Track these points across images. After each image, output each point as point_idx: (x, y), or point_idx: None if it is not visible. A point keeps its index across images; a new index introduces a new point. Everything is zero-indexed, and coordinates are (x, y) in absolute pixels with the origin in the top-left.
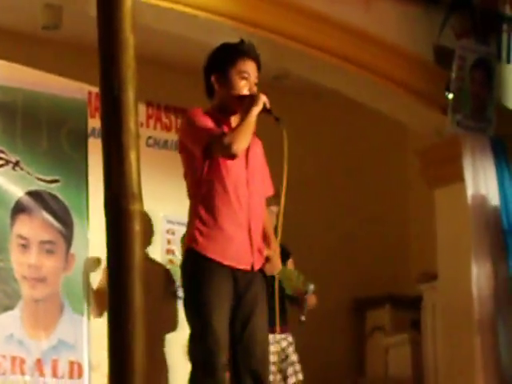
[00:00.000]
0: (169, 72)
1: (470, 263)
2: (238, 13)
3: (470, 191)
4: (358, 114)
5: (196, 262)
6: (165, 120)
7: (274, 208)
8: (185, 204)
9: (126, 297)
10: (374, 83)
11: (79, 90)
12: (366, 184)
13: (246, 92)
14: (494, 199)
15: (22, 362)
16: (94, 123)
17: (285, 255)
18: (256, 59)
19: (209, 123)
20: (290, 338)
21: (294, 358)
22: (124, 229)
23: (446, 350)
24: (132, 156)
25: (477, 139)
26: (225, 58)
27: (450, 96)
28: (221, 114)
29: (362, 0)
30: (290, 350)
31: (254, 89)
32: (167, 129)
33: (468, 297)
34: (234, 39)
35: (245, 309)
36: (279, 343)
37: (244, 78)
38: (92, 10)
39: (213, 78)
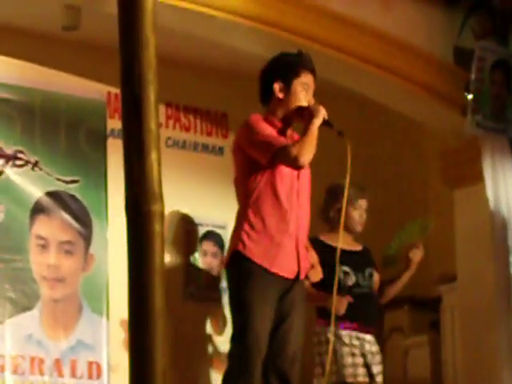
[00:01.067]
0: (188, 73)
1: (489, 264)
2: (257, 13)
3: (489, 192)
4: (376, 114)
5: (242, 264)
6: (184, 120)
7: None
8: (204, 204)
9: (146, 298)
10: (393, 84)
11: (98, 91)
12: (385, 185)
13: (304, 104)
14: None
15: (41, 362)
16: (113, 124)
17: None
18: (314, 72)
19: (273, 132)
20: (373, 339)
21: (378, 358)
22: (145, 230)
23: (466, 351)
24: (153, 156)
25: (496, 140)
26: (289, 68)
27: (470, 97)
28: (280, 124)
29: (381, 1)
30: (376, 348)
31: (312, 101)
32: (186, 129)
33: (488, 298)
34: (252, 40)
35: (281, 310)
36: (370, 344)
37: (305, 90)
38: (112, 9)
39: (276, 86)
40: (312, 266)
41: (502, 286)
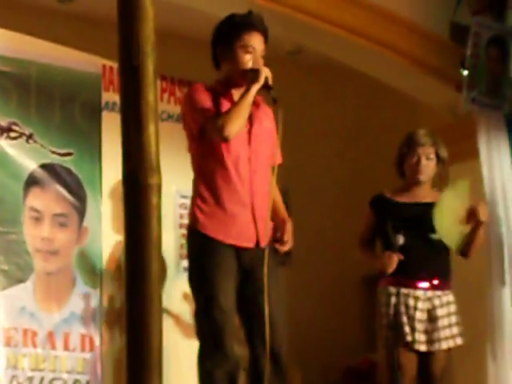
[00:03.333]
0: (183, 46)
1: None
2: None
3: (484, 168)
4: (371, 89)
5: (198, 240)
6: (179, 94)
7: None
8: None
9: (143, 271)
10: (389, 59)
11: (93, 64)
12: (379, 160)
13: (250, 66)
14: (508, 176)
15: (34, 334)
16: (108, 97)
17: None
18: (263, 32)
19: (207, 102)
20: (446, 298)
21: (445, 321)
22: (142, 202)
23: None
24: (151, 129)
25: (492, 116)
26: (230, 31)
27: (465, 73)
28: (224, 88)
29: None
30: (442, 311)
31: (260, 62)
32: (181, 103)
33: (481, 274)
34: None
35: (255, 285)
36: (430, 301)
37: (248, 52)
38: None
39: (218, 51)
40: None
41: (494, 259)
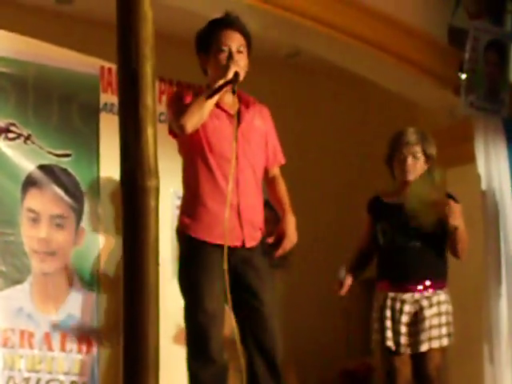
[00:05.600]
0: (181, 48)
1: (480, 243)
2: None
3: (481, 171)
4: (369, 92)
5: (185, 243)
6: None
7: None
8: None
9: (140, 272)
10: (387, 63)
11: (91, 65)
12: (377, 163)
13: (224, 64)
14: (506, 180)
15: (31, 335)
16: (106, 98)
17: None
18: (238, 29)
19: (185, 101)
20: (437, 298)
21: (433, 322)
22: (140, 205)
23: (455, 327)
24: (149, 132)
25: (489, 120)
26: (206, 36)
27: (463, 77)
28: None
29: None
30: (431, 312)
31: (237, 58)
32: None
33: (477, 277)
34: (246, 16)
35: (246, 286)
36: (418, 303)
37: (223, 51)
38: None
39: (201, 57)
40: (281, 234)
41: (492, 264)
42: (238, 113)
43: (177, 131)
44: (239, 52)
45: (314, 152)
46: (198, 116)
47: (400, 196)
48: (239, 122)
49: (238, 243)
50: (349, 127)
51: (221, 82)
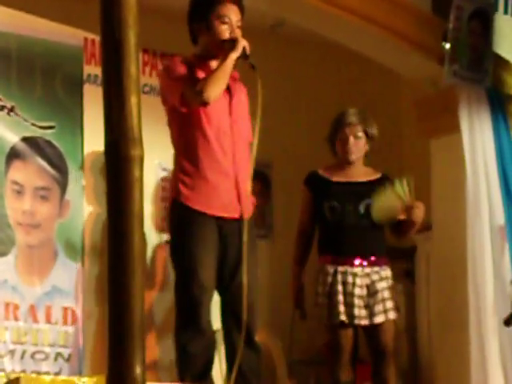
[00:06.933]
0: (165, 19)
1: (464, 214)
2: None
3: (465, 142)
4: (352, 63)
5: (180, 213)
6: (161, 67)
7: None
8: None
9: (125, 243)
10: (370, 32)
11: (75, 36)
12: None
13: (227, 36)
14: (490, 150)
15: (16, 307)
16: (90, 70)
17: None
18: (237, 2)
19: (184, 72)
20: (385, 273)
21: (385, 294)
22: (124, 174)
23: (440, 301)
24: (133, 101)
25: (473, 90)
26: (204, 5)
27: (447, 46)
28: (201, 60)
29: None
30: (382, 285)
31: (237, 32)
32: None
33: (462, 247)
34: None
35: (233, 257)
36: (369, 276)
37: (224, 23)
38: None
39: (195, 26)
40: None
41: (476, 234)
42: (229, 87)
43: (196, 102)
44: (238, 27)
45: (298, 123)
46: (219, 89)
47: (344, 174)
48: (231, 95)
49: (236, 215)
50: (333, 98)
51: (234, 55)
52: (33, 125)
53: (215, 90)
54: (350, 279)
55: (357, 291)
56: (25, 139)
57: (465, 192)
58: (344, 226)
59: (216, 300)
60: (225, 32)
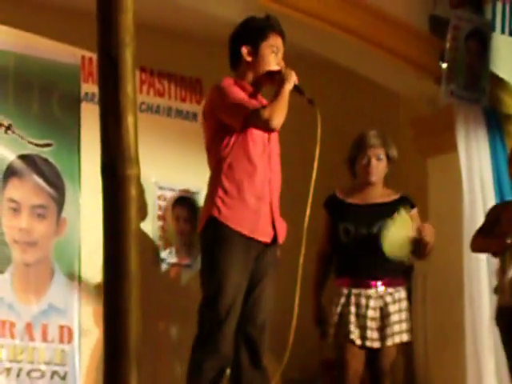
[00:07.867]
0: (162, 38)
1: (461, 233)
2: None
3: (462, 161)
4: (350, 81)
5: (218, 230)
6: (158, 86)
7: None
8: (176, 170)
9: (121, 262)
10: (368, 52)
11: (72, 55)
12: None
13: (274, 67)
14: (487, 169)
15: (12, 325)
16: (87, 88)
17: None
18: (283, 34)
19: (245, 96)
20: (398, 294)
21: (395, 317)
22: (120, 194)
23: (437, 318)
24: (129, 120)
25: (470, 109)
26: (257, 31)
27: (444, 66)
28: (251, 86)
29: None
30: (394, 307)
31: (282, 64)
32: (160, 95)
33: (459, 267)
34: (230, 7)
35: (254, 276)
36: (383, 298)
37: (274, 53)
38: None
39: (244, 50)
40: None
41: (472, 254)
42: None
43: (263, 128)
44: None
45: (294, 141)
46: (283, 116)
47: (362, 196)
48: None
49: (268, 239)
50: (330, 116)
51: (289, 86)
52: (30, 143)
53: (281, 118)
54: (363, 301)
55: (370, 313)
56: (22, 157)
57: (462, 211)
58: (358, 248)
59: None
60: (273, 62)
